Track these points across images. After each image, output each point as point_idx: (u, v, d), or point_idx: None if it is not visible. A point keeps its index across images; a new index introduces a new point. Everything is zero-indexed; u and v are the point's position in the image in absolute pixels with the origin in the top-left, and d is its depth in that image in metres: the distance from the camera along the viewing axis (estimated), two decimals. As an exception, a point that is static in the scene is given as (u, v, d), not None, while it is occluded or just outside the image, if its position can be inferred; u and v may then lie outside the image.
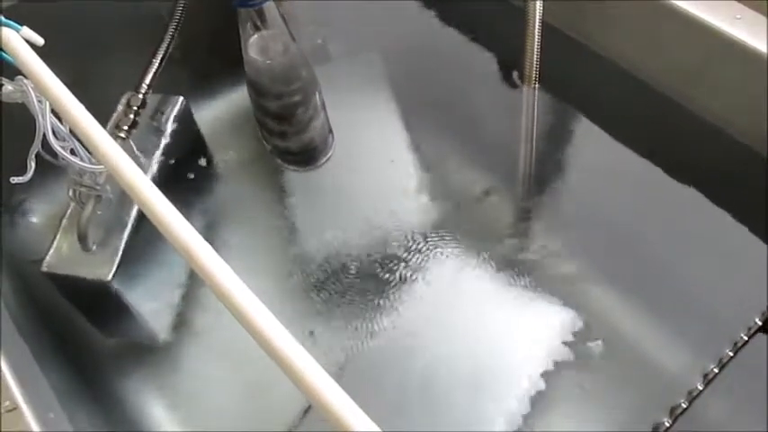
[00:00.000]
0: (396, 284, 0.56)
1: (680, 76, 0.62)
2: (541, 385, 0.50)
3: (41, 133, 0.50)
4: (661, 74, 0.64)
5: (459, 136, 0.66)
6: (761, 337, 0.50)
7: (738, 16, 0.56)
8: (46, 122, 0.49)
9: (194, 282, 0.58)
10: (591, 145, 0.64)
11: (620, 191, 0.60)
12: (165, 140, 0.65)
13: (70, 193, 0.58)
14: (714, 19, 0.57)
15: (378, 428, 0.26)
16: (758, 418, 0.47)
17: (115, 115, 0.61)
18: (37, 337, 0.52)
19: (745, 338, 0.50)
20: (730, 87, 0.59)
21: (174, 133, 0.66)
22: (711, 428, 0.48)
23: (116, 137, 0.58)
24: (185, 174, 0.66)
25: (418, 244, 0.58)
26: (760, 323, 0.50)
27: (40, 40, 0.45)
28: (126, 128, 0.59)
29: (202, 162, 0.67)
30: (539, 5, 0.61)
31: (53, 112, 0.49)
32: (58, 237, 0.60)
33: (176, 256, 0.32)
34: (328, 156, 0.65)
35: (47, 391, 0.44)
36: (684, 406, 0.48)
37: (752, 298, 0.52)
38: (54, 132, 0.50)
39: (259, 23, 0.54)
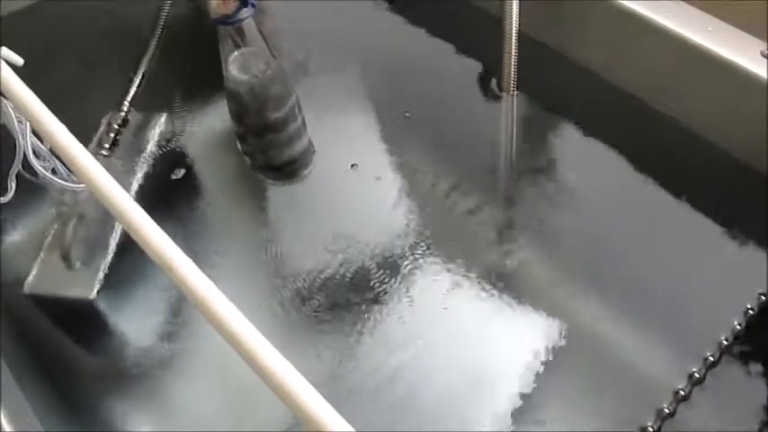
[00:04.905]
0: (379, 299, 0.56)
1: (655, 86, 0.64)
2: (526, 392, 0.50)
3: (22, 153, 0.50)
4: (637, 83, 0.65)
5: (442, 147, 0.67)
6: (744, 340, 0.51)
7: (710, 28, 0.59)
8: (26, 143, 0.49)
9: (179, 299, 0.58)
10: (574, 154, 0.65)
11: (601, 198, 0.61)
12: (146, 158, 0.66)
13: (53, 212, 0.58)
14: (686, 31, 0.59)
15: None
16: (742, 421, 0.47)
17: (97, 134, 0.61)
18: (18, 359, 0.51)
19: (728, 342, 0.51)
20: (702, 96, 0.61)
21: (156, 151, 0.67)
22: (697, 431, 0.48)
23: (97, 155, 0.58)
24: (167, 191, 0.66)
25: (401, 258, 0.58)
26: (741, 326, 0.51)
27: (19, 61, 0.45)
28: (107, 146, 0.59)
29: (184, 178, 0.67)
30: (515, 12, 0.62)
31: (33, 131, 0.49)
32: (40, 256, 0.59)
33: (161, 273, 0.33)
34: (309, 170, 0.65)
35: (27, 411, 0.44)
36: (669, 410, 0.48)
37: (734, 300, 0.52)
38: (35, 152, 0.50)
39: (239, 41, 0.55)
